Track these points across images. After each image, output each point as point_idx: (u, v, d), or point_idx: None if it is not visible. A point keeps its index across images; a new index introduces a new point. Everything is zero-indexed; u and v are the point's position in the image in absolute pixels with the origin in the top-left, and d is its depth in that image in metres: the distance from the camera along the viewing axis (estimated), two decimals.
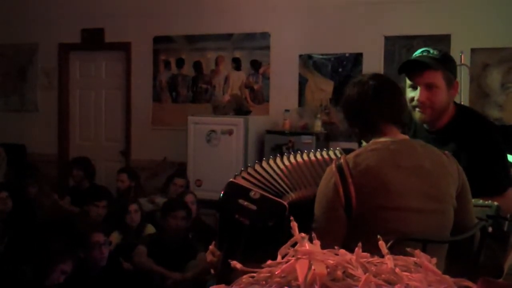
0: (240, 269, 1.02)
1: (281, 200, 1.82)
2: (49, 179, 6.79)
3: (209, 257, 1.95)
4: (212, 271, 1.96)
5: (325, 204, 1.80)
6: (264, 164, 1.93)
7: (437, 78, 2.30)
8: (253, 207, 1.80)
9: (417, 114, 2.35)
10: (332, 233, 1.75)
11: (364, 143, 1.96)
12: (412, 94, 2.33)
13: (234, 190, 1.87)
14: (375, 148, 1.84)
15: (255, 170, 1.91)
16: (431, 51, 2.33)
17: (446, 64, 2.32)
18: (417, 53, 2.38)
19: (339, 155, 1.94)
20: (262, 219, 1.80)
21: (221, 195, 1.90)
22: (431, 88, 2.30)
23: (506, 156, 2.39)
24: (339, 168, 1.79)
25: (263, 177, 1.89)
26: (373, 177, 1.78)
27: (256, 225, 1.80)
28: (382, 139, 1.88)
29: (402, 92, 2.00)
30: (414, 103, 2.32)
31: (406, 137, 1.95)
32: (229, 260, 1.08)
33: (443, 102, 2.32)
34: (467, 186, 1.93)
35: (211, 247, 1.96)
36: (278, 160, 1.95)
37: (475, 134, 2.33)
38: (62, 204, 5.94)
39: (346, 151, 1.93)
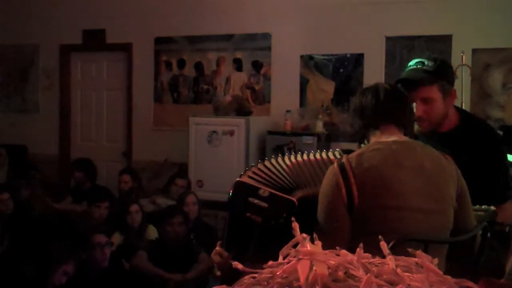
0: (242, 270, 1.02)
1: (290, 197, 1.85)
2: (49, 180, 6.79)
3: (216, 258, 1.94)
4: (218, 272, 1.96)
5: (328, 203, 1.81)
6: (267, 163, 1.96)
7: (432, 91, 2.30)
8: (264, 204, 1.84)
9: (415, 127, 2.36)
10: (335, 232, 1.76)
11: (363, 144, 1.97)
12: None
13: (242, 189, 1.90)
14: (377, 148, 1.85)
15: (259, 169, 1.94)
16: (426, 62, 2.32)
17: (441, 75, 2.31)
18: (412, 64, 2.36)
19: (338, 156, 1.95)
20: (274, 216, 1.83)
21: (230, 194, 1.92)
22: (427, 102, 2.30)
23: (509, 168, 2.39)
24: (341, 168, 1.80)
25: (268, 175, 1.92)
26: (375, 176, 1.79)
27: (269, 222, 1.82)
28: (384, 140, 1.89)
29: (408, 99, 2.03)
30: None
31: (406, 138, 1.95)
32: (232, 262, 1.08)
33: (439, 113, 2.33)
34: (466, 188, 1.94)
35: (217, 248, 1.95)
36: (280, 159, 1.97)
37: (480, 143, 2.33)
38: (58, 206, 5.92)
39: (346, 152, 1.94)
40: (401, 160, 1.83)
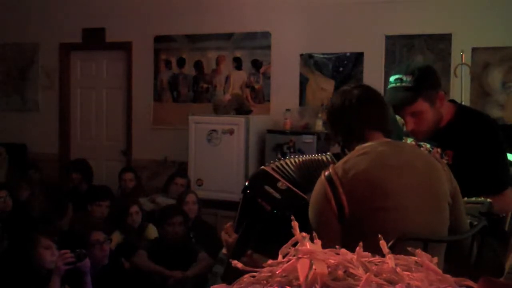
0: (241, 269, 1.02)
1: (305, 196, 1.89)
2: (49, 179, 6.78)
3: (224, 236, 2.01)
4: (224, 250, 2.03)
5: (318, 215, 1.81)
6: (296, 159, 2.03)
7: (418, 106, 2.28)
8: (277, 195, 1.90)
9: (411, 138, 2.38)
10: (327, 242, 1.75)
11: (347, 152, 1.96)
12: (402, 120, 2.36)
13: (263, 177, 1.98)
14: (363, 152, 1.84)
15: (282, 165, 2.01)
16: (404, 78, 2.29)
17: (422, 87, 2.28)
18: (392, 81, 2.34)
19: (329, 159, 1.97)
20: (282, 208, 1.87)
21: (250, 178, 2.03)
22: (415, 115, 2.30)
23: (507, 156, 2.39)
24: (329, 179, 1.79)
25: (290, 171, 1.98)
26: (363, 181, 1.77)
27: (276, 213, 1.86)
28: (368, 144, 1.88)
29: (386, 102, 1.99)
30: (405, 129, 2.35)
31: (390, 140, 1.93)
32: (233, 261, 1.08)
33: (431, 120, 2.33)
34: (458, 188, 1.93)
35: (227, 226, 2.03)
36: (306, 157, 2.04)
37: (476, 132, 2.33)
38: (62, 224, 5.82)
39: (336, 156, 1.97)
40: (389, 160, 1.82)
